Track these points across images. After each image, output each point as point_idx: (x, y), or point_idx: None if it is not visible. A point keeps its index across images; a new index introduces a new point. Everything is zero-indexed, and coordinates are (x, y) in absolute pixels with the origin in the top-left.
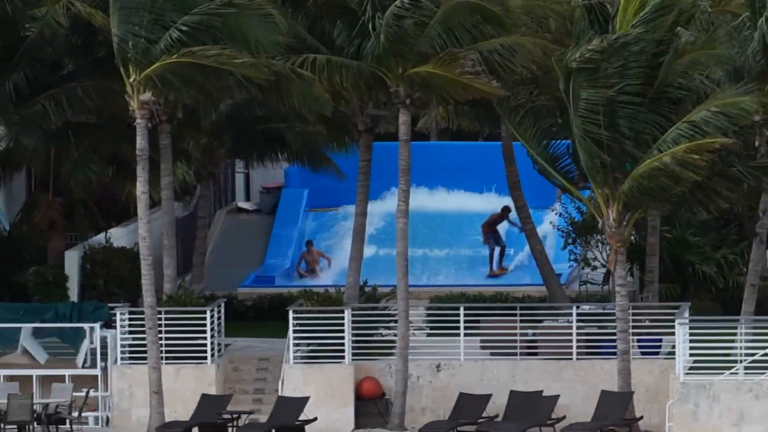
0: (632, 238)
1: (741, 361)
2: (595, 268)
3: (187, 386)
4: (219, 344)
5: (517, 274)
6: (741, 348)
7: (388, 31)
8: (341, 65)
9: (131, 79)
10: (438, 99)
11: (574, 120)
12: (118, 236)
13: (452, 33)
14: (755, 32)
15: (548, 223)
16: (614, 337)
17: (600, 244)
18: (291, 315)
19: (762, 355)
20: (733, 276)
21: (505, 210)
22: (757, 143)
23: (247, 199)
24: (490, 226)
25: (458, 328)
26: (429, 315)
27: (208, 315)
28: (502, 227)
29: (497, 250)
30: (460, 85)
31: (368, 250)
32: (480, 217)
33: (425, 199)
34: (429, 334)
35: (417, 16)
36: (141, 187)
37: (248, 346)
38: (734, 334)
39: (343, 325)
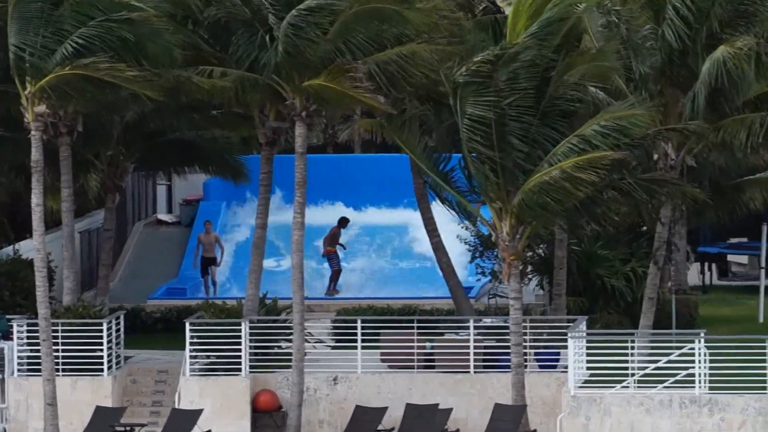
0: (541, 251)
1: (633, 375)
2: (502, 281)
3: (83, 398)
4: (118, 356)
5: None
6: (633, 362)
7: (286, 41)
8: (238, 78)
9: (26, 91)
10: (331, 112)
11: (462, 135)
12: (29, 248)
13: (350, 44)
14: (658, 43)
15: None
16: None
17: None
18: (188, 327)
19: (654, 369)
20: (642, 289)
21: (343, 221)
22: (655, 156)
23: (170, 211)
24: (331, 244)
25: (364, 340)
26: (334, 328)
27: (104, 327)
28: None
29: (331, 273)
30: (349, 98)
31: (285, 263)
32: (398, 229)
33: (344, 212)
34: (334, 347)
35: (315, 27)
36: (36, 199)
37: (150, 359)
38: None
39: (240, 337)
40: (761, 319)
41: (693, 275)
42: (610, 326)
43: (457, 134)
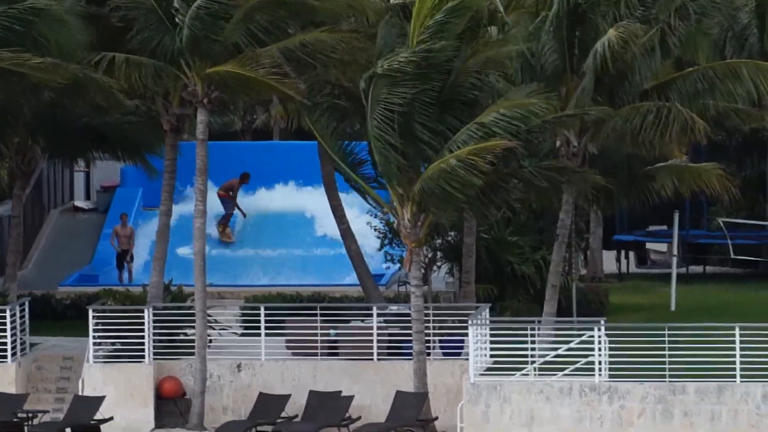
0: (450, 238)
1: (533, 363)
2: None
3: None
4: (23, 343)
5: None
6: (532, 350)
7: (192, 25)
8: (139, 64)
9: None
10: (236, 98)
11: (370, 122)
12: None
13: (255, 31)
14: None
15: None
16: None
17: None
18: (91, 314)
19: (555, 357)
20: None
21: (244, 176)
22: (558, 144)
23: (88, 198)
24: (225, 191)
25: (269, 327)
26: (243, 315)
27: (8, 314)
28: None
29: (224, 213)
30: (262, 84)
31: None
32: (312, 218)
33: (264, 199)
34: (242, 335)
35: (220, 13)
36: None
37: (57, 345)
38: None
39: (143, 324)
40: (673, 307)
41: (610, 263)
42: (519, 313)
43: (364, 121)
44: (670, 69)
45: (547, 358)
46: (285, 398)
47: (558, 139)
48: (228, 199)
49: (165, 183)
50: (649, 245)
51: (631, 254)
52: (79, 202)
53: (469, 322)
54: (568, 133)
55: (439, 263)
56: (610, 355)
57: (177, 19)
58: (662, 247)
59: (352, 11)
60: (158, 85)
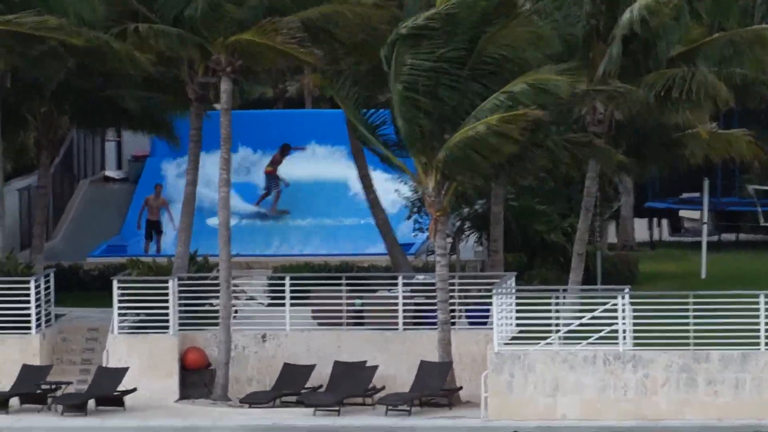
0: (478, 207)
1: (557, 332)
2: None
3: (11, 357)
4: (48, 314)
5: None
6: (556, 318)
7: None
8: (162, 33)
9: None
10: (260, 67)
11: (393, 87)
12: None
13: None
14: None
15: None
16: None
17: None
18: (115, 285)
19: (579, 326)
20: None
21: (285, 147)
22: (583, 111)
23: (119, 167)
24: (272, 167)
25: (296, 297)
26: (269, 285)
27: (32, 285)
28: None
29: (274, 193)
30: (280, 53)
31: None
32: (339, 186)
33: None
34: (270, 305)
35: None
36: None
37: (83, 317)
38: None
39: (167, 295)
40: (703, 275)
41: (643, 231)
42: (547, 282)
43: (386, 88)
44: (699, 35)
45: (571, 327)
46: (310, 368)
47: (585, 107)
48: (274, 176)
49: (190, 152)
50: (682, 213)
51: (665, 222)
52: (110, 172)
53: (494, 291)
54: (594, 101)
55: (467, 232)
56: (635, 324)
57: None
58: (695, 214)
59: None
60: (183, 52)
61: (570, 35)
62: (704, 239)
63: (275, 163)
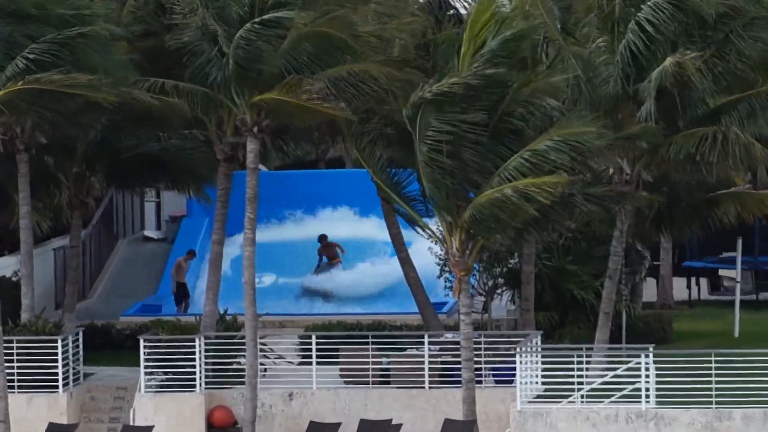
0: (512, 265)
1: (579, 390)
2: (473, 296)
3: (39, 415)
4: (77, 373)
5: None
6: (579, 377)
7: (236, 54)
8: (189, 92)
9: None
10: (284, 125)
11: (419, 148)
12: (6, 265)
13: (301, 59)
14: (614, 57)
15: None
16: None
17: (477, 273)
18: (142, 343)
19: (602, 384)
20: (617, 305)
21: (322, 239)
22: (611, 171)
23: (159, 228)
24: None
25: (324, 356)
26: (300, 344)
27: (59, 344)
28: None
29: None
30: (306, 110)
31: (267, 279)
32: (373, 243)
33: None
34: (300, 363)
35: (266, 40)
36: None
37: (113, 375)
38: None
39: (194, 353)
40: (736, 334)
41: (683, 290)
42: (578, 340)
43: (411, 149)
44: (731, 91)
45: (594, 385)
46: (335, 427)
47: (611, 167)
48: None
49: (217, 212)
50: (722, 272)
51: (704, 281)
52: (149, 232)
53: (518, 349)
54: (621, 161)
55: (499, 291)
56: (658, 382)
57: (223, 49)
58: (734, 273)
59: (399, 35)
60: (211, 113)
61: (598, 96)
62: (737, 298)
63: (327, 251)
